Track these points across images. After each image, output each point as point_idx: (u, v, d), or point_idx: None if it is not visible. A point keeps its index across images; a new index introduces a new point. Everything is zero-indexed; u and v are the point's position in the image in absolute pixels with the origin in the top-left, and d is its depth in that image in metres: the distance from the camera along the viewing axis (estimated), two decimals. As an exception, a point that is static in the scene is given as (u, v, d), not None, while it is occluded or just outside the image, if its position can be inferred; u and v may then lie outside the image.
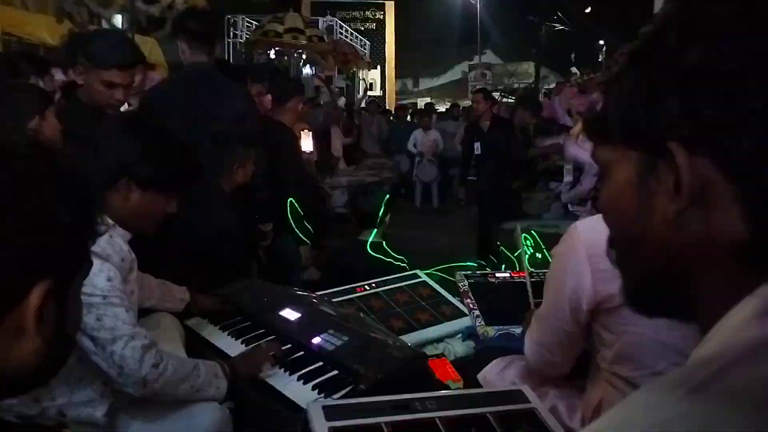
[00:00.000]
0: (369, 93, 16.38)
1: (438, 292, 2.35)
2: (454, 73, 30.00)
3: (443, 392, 1.41)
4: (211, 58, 2.74)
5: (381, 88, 17.94)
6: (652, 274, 0.52)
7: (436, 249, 6.00)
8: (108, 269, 1.38)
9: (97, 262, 1.36)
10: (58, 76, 3.13)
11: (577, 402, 1.38)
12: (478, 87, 8.37)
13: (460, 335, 2.12)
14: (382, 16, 18.34)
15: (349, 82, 14.06)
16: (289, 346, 1.79)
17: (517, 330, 2.00)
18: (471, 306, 2.12)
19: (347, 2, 18.03)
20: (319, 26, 11.55)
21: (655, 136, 0.47)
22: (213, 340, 1.92)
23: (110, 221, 1.46)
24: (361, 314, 2.07)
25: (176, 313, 1.99)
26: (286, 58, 9.77)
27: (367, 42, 15.75)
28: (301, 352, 1.74)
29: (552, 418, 1.30)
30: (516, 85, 18.48)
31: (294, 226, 3.28)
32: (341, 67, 11.71)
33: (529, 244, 3.14)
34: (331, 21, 13.32)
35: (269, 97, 3.50)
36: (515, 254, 3.08)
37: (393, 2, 18.64)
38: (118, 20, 7.03)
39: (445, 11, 27.04)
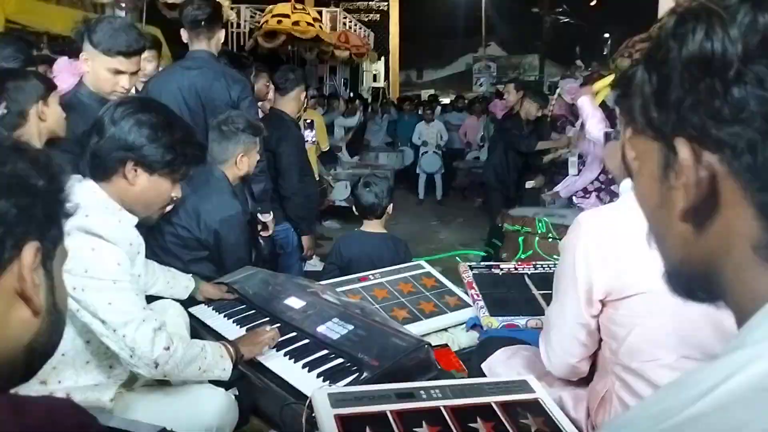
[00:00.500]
0: (373, 84, 16.35)
1: (442, 282, 2.35)
2: (458, 65, 29.89)
3: (448, 381, 1.41)
4: (210, 45, 2.73)
5: (385, 80, 17.89)
6: (679, 263, 0.52)
7: (438, 240, 6.01)
8: (117, 253, 1.38)
9: (106, 246, 1.36)
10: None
11: (582, 393, 1.38)
12: (509, 80, 8.32)
13: (463, 326, 2.12)
14: (386, 7, 18.25)
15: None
16: (293, 333, 1.79)
17: (521, 321, 2.00)
18: (475, 297, 2.12)
19: (351, -7, 17.95)
20: (323, 17, 11.51)
21: (666, 131, 0.47)
22: (217, 328, 1.93)
23: (117, 205, 1.46)
24: (365, 303, 2.07)
25: (181, 300, 2.00)
26: (291, 47, 9.73)
27: (371, 33, 15.69)
28: (306, 340, 1.74)
29: (557, 408, 1.30)
30: (521, 78, 18.38)
31: (293, 216, 3.28)
32: (355, 58, 11.66)
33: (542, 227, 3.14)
34: (334, 11, 13.27)
35: (273, 87, 3.49)
36: (522, 231, 3.08)
37: (397, -7, 18.54)
38: (120, 11, 7.00)
39: (449, 3, 26.89)
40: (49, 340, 0.68)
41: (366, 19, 17.06)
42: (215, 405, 1.49)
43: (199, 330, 1.93)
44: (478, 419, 1.23)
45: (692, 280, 0.52)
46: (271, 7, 9.27)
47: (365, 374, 1.51)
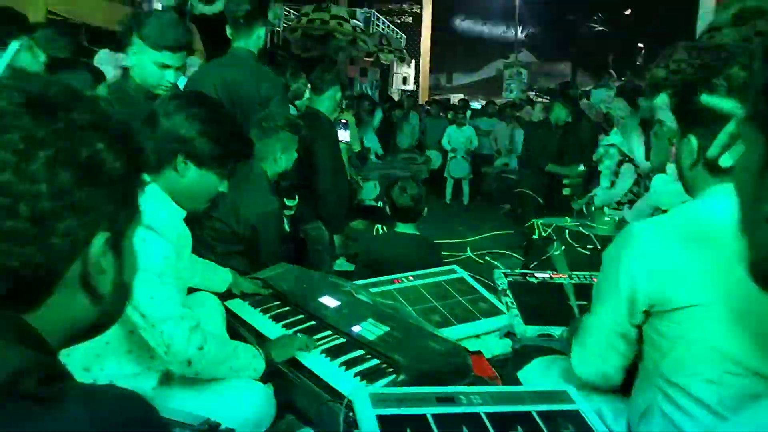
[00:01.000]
0: (402, 87, 16.39)
1: (475, 288, 2.34)
2: (488, 71, 29.75)
3: (488, 387, 1.40)
4: (249, 42, 2.73)
5: (414, 83, 17.91)
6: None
7: (463, 246, 5.98)
8: (165, 246, 1.40)
9: (156, 239, 1.39)
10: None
11: (621, 406, 1.36)
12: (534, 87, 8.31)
13: (496, 333, 2.11)
14: (419, 10, 18.29)
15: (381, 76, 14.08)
16: (328, 332, 1.80)
17: (556, 331, 1.99)
18: (509, 304, 2.11)
19: (384, -5, 18.03)
20: (357, 17, 11.57)
21: None
22: (253, 323, 1.94)
23: (168, 198, 1.48)
24: (399, 305, 2.07)
25: (217, 293, 2.02)
26: (323, 47, 9.80)
27: (403, 35, 15.73)
28: (342, 339, 1.75)
29: (598, 420, 1.29)
30: (552, 85, 18.21)
31: (325, 215, 3.30)
32: (399, 63, 11.74)
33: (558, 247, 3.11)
34: (368, 13, 13.34)
35: (310, 87, 3.51)
36: (552, 251, 3.06)
37: (431, -4, 18.56)
38: (158, 5, 7.11)
39: (482, 8, 26.80)
40: (111, 318, 0.69)
41: (399, 21, 17.12)
42: (254, 399, 1.50)
43: (234, 324, 1.95)
44: (519, 427, 1.22)
45: None
46: (317, 6, 9.33)
47: (402, 376, 1.51)
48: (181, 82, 2.57)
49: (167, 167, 1.49)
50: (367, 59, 11.98)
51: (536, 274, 2.32)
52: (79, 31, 6.14)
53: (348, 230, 5.74)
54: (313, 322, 1.86)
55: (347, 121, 5.08)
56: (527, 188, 4.83)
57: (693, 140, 1.20)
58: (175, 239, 1.44)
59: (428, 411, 1.20)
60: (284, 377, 1.64)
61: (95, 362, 1.43)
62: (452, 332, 2.01)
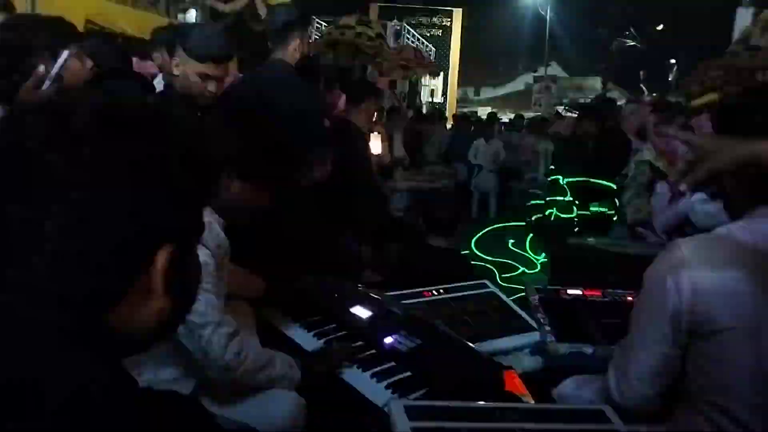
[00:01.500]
0: (430, 99, 16.42)
1: (506, 303, 2.33)
2: (516, 84, 29.68)
3: (524, 404, 1.40)
4: (285, 54, 2.76)
5: (442, 95, 17.94)
6: None
7: (490, 261, 5.94)
8: (204, 254, 1.43)
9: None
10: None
11: (661, 429, 1.34)
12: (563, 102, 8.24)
13: (527, 349, 2.09)
14: (449, 23, 18.35)
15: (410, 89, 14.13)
16: (360, 343, 1.81)
17: (589, 350, 1.96)
18: (542, 321, 2.09)
19: (415, 7, 18.13)
20: (387, 30, 11.66)
21: None
22: (286, 331, 1.97)
23: (208, 208, 1.52)
24: (430, 318, 2.07)
25: (250, 301, 2.05)
26: (353, 59, 9.89)
27: (432, 48, 15.79)
28: (373, 351, 1.76)
29: (635, 442, 1.27)
30: (581, 100, 18.08)
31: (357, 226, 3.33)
32: (405, 73, 11.78)
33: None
34: (398, 26, 13.43)
35: (344, 98, 3.55)
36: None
37: (461, 10, 18.63)
38: (191, 15, 7.27)
39: (512, 21, 26.78)
40: (173, 325, 0.71)
41: (428, 34, 17.19)
42: (287, 407, 1.52)
43: (268, 332, 1.97)
44: (555, 446, 1.21)
45: None
46: (352, 21, 9.45)
47: (435, 389, 1.51)
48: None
49: None
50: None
51: (568, 291, 2.29)
52: (116, 40, 6.32)
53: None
54: (344, 332, 1.88)
55: (380, 133, 5.11)
56: (554, 204, 4.78)
57: None
58: (215, 248, 1.48)
59: (464, 426, 1.21)
60: (315, 387, 1.66)
61: (133, 367, 1.46)
62: (482, 347, 2.01)
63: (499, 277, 4.84)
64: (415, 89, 14.34)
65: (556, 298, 2.23)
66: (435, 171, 8.43)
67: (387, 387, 1.56)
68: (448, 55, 18.23)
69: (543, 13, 23.32)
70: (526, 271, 5.38)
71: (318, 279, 2.28)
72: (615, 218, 4.74)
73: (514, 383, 1.90)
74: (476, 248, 5.84)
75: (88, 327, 0.59)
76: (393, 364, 1.67)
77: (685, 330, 1.19)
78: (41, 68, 1.61)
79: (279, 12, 2.74)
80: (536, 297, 2.21)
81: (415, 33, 14.45)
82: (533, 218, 5.19)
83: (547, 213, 4.71)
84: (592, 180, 4.66)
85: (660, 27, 25.21)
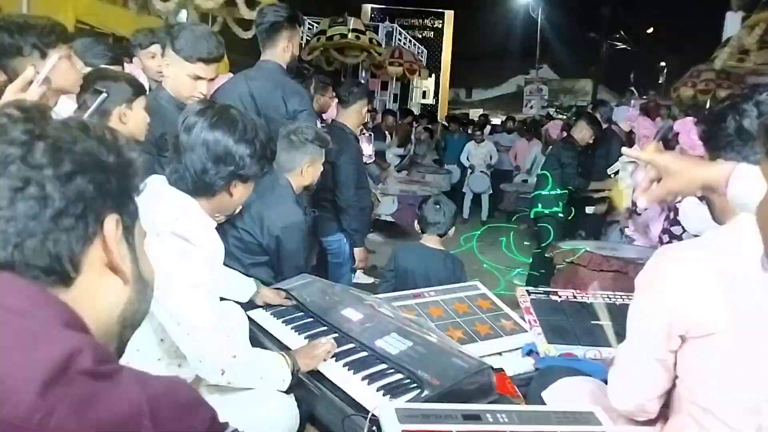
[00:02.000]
0: (422, 101, 16.45)
1: (498, 305, 2.34)
2: (508, 86, 29.79)
3: (514, 406, 1.39)
4: (275, 55, 2.73)
5: (434, 97, 17.97)
6: None
7: (479, 261, 5.96)
8: (200, 257, 1.42)
9: (193, 251, 1.41)
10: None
11: (651, 430, 1.34)
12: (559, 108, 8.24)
13: (518, 351, 2.10)
14: (440, 25, 18.40)
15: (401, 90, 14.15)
16: (351, 345, 1.81)
17: (580, 351, 1.97)
18: (532, 323, 2.10)
19: (406, 9, 18.16)
20: (379, 32, 11.67)
21: None
22: (276, 333, 1.96)
23: (203, 211, 1.51)
24: (422, 320, 2.07)
25: (240, 303, 2.04)
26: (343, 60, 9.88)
27: (424, 50, 15.81)
28: (364, 353, 1.75)
29: (625, 444, 1.27)
30: (572, 102, 18.16)
31: (348, 227, 3.32)
32: (407, 75, 11.78)
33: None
34: (390, 27, 13.45)
35: (336, 100, 3.55)
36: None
37: (452, 12, 18.68)
38: (182, 15, 7.21)
39: (504, 24, 26.89)
40: (138, 309, 0.73)
41: (420, 36, 17.22)
42: (278, 409, 1.51)
43: (257, 334, 1.97)
44: (545, 448, 1.21)
45: None
46: (333, 21, 9.43)
47: (426, 392, 1.51)
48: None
49: (221, 192, 1.51)
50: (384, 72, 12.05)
51: (559, 292, 2.30)
52: (107, 41, 6.27)
53: (367, 243, 5.76)
54: (335, 335, 1.87)
55: (371, 134, 5.12)
56: (539, 200, 4.78)
57: None
58: (210, 252, 1.47)
59: (454, 428, 1.20)
60: (307, 389, 1.65)
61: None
62: (474, 349, 2.01)
63: (492, 278, 4.85)
64: (406, 90, 14.36)
65: (547, 300, 2.24)
66: (426, 175, 8.39)
67: (378, 390, 1.55)
68: (439, 57, 18.27)
69: (534, 15, 23.41)
70: (519, 272, 5.40)
71: (309, 281, 2.28)
72: (607, 219, 4.77)
73: (505, 385, 1.91)
74: (470, 249, 5.86)
75: (62, 304, 0.61)
76: (384, 366, 1.67)
77: (676, 335, 1.19)
78: (30, 70, 1.59)
79: (267, 12, 2.72)
80: (527, 298, 2.22)
81: (407, 35, 14.46)
82: (526, 216, 5.21)
83: (534, 210, 4.72)
84: (581, 192, 4.67)
85: (650, 30, 25.37)
